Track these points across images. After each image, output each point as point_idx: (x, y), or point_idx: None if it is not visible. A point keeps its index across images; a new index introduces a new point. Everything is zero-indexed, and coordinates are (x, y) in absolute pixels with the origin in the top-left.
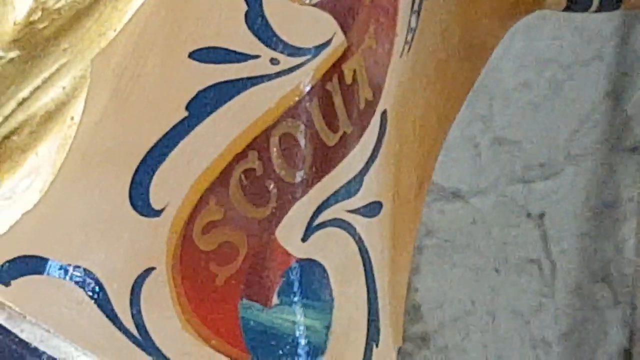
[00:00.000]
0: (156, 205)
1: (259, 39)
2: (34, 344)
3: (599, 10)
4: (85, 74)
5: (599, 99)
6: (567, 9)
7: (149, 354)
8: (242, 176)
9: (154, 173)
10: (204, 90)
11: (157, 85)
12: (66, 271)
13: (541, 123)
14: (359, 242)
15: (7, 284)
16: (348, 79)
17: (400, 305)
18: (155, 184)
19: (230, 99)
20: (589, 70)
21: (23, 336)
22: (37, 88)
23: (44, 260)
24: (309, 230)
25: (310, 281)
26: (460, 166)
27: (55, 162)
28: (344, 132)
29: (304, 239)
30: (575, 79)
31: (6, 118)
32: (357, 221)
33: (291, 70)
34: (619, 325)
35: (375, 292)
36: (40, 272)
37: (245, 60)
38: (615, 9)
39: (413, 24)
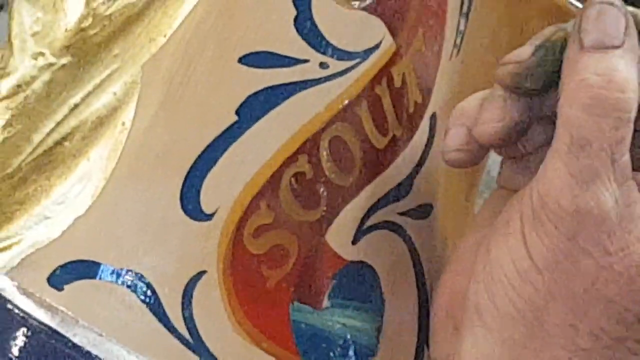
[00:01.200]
0: (207, 209)
1: (308, 43)
2: (87, 347)
3: None
4: (136, 80)
5: None
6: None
7: (201, 356)
8: (293, 180)
9: (204, 177)
10: (254, 94)
11: (207, 90)
12: (118, 275)
13: None
14: (410, 244)
15: (60, 289)
16: (397, 82)
17: None
18: (206, 188)
19: (279, 103)
20: None
21: (76, 340)
22: (89, 94)
23: (96, 265)
24: (359, 232)
25: (361, 283)
26: None
27: (106, 167)
28: (394, 135)
29: (354, 242)
30: None
31: (58, 124)
32: (408, 223)
33: (340, 74)
34: None
35: (426, 294)
36: (93, 277)
37: (294, 64)
38: None
39: (462, 27)
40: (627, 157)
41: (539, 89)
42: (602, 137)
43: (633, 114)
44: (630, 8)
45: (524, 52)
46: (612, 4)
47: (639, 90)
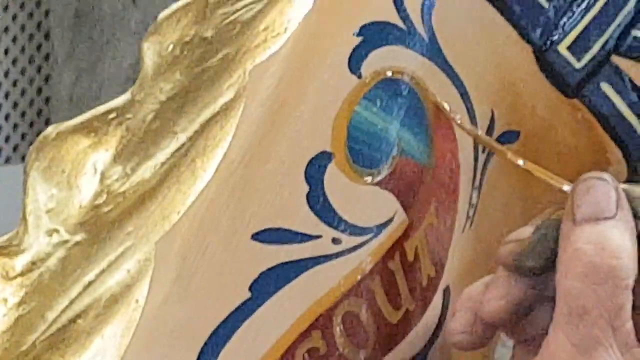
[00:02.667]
0: None
1: (321, 219)
2: None
3: None
4: (150, 257)
5: None
6: (628, 180)
7: None
8: (306, 355)
9: (219, 354)
10: (267, 271)
11: (221, 266)
12: None
13: None
14: None
15: None
16: (410, 257)
17: None
18: None
19: (293, 279)
20: None
21: None
22: (103, 271)
23: None
24: None
25: None
26: None
27: (120, 344)
28: (407, 310)
29: None
30: None
31: (72, 301)
32: None
33: (353, 249)
34: None
35: None
36: None
37: (307, 240)
38: None
39: (474, 200)
40: (629, 325)
41: (540, 268)
42: (600, 305)
43: (631, 281)
44: (623, 185)
45: (524, 231)
46: (601, 178)
47: (636, 258)
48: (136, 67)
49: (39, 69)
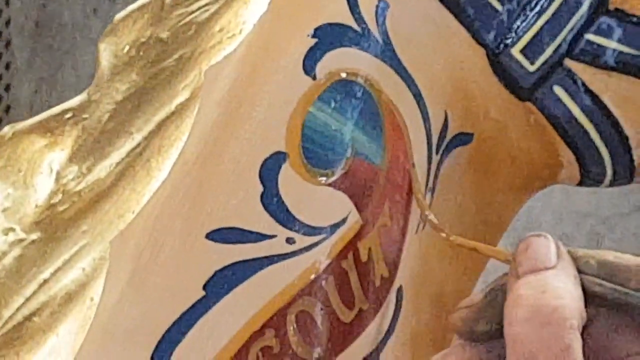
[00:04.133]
0: None
1: (275, 219)
2: None
3: (611, 184)
4: (104, 256)
5: None
6: (581, 183)
7: None
8: (260, 354)
9: (172, 352)
10: (221, 270)
11: (175, 265)
12: None
13: None
14: None
15: None
16: (363, 257)
17: None
18: None
19: (247, 278)
20: (629, 223)
21: None
22: (58, 269)
23: None
24: None
25: None
26: None
27: (75, 342)
28: (360, 309)
29: None
30: (615, 231)
31: (27, 299)
32: None
33: (307, 249)
34: None
35: None
36: None
37: (261, 240)
38: (628, 183)
39: (427, 201)
40: None
41: (492, 331)
42: (545, 347)
43: (575, 322)
44: (569, 248)
45: (475, 297)
46: (539, 235)
47: (582, 300)
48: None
49: None
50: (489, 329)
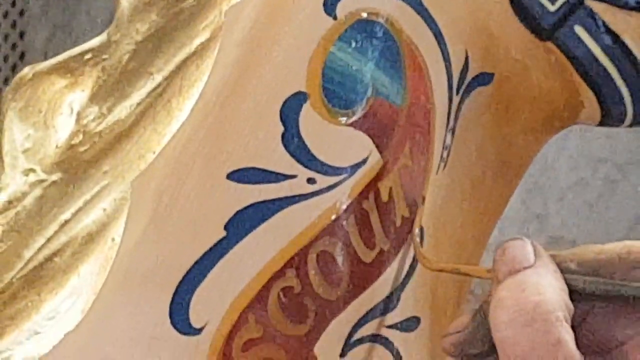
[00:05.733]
0: (196, 324)
1: (296, 159)
2: None
3: (632, 125)
4: (126, 196)
5: None
6: (602, 123)
7: None
8: (281, 294)
9: (193, 292)
10: (242, 210)
11: (196, 205)
12: None
13: (596, 222)
14: (397, 357)
15: None
16: (384, 197)
17: None
18: (195, 302)
19: (267, 218)
20: None
21: None
22: (79, 210)
23: None
24: (347, 346)
25: None
26: None
27: (96, 282)
28: (381, 249)
29: (342, 355)
30: (630, 178)
31: (49, 240)
32: (395, 336)
33: (328, 189)
34: None
35: None
36: None
37: (282, 180)
38: None
39: (448, 142)
40: (577, 358)
41: (486, 352)
42: (535, 346)
43: (561, 314)
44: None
45: (462, 321)
46: (515, 238)
47: (566, 293)
48: (110, 23)
49: (13, 25)
50: (481, 351)
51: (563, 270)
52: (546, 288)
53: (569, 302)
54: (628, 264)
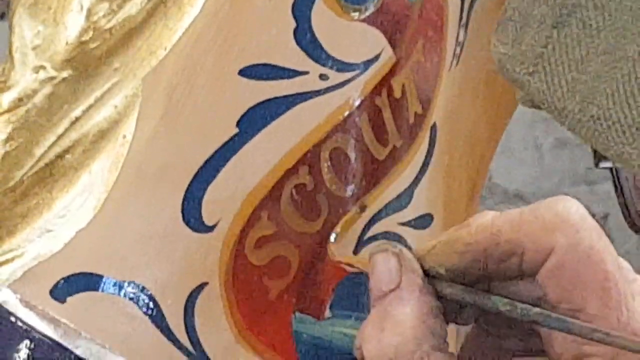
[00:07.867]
0: (208, 221)
1: (308, 55)
2: (90, 359)
3: None
4: (137, 93)
5: None
6: None
7: None
8: (293, 191)
9: (206, 189)
10: (254, 106)
11: (208, 102)
12: (120, 287)
13: None
14: None
15: (62, 301)
16: (397, 93)
17: None
18: (207, 200)
19: (280, 115)
20: None
21: (79, 352)
22: (90, 107)
23: (99, 277)
24: (360, 243)
25: (362, 294)
26: (523, 168)
27: (108, 180)
28: (394, 146)
29: (355, 252)
30: None
31: (60, 137)
32: (408, 234)
33: (340, 85)
34: None
35: None
36: (95, 289)
37: (294, 76)
38: None
39: (461, 38)
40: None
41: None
42: None
43: (427, 344)
44: (416, 249)
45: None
46: (381, 250)
47: (428, 317)
48: None
49: None
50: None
51: (435, 277)
52: (406, 322)
53: (439, 324)
54: (495, 257)
